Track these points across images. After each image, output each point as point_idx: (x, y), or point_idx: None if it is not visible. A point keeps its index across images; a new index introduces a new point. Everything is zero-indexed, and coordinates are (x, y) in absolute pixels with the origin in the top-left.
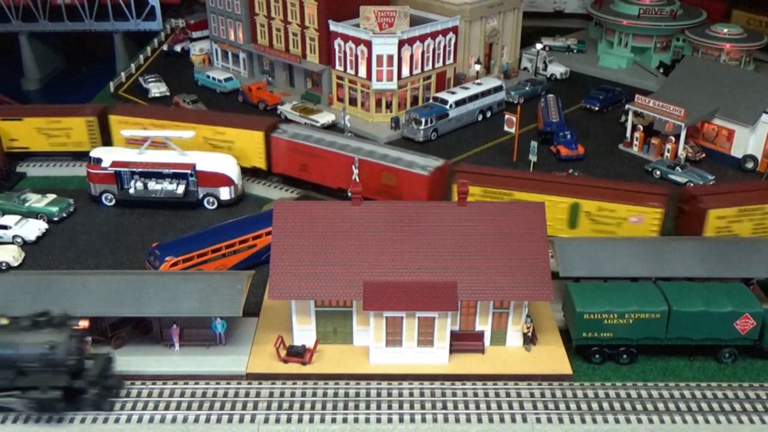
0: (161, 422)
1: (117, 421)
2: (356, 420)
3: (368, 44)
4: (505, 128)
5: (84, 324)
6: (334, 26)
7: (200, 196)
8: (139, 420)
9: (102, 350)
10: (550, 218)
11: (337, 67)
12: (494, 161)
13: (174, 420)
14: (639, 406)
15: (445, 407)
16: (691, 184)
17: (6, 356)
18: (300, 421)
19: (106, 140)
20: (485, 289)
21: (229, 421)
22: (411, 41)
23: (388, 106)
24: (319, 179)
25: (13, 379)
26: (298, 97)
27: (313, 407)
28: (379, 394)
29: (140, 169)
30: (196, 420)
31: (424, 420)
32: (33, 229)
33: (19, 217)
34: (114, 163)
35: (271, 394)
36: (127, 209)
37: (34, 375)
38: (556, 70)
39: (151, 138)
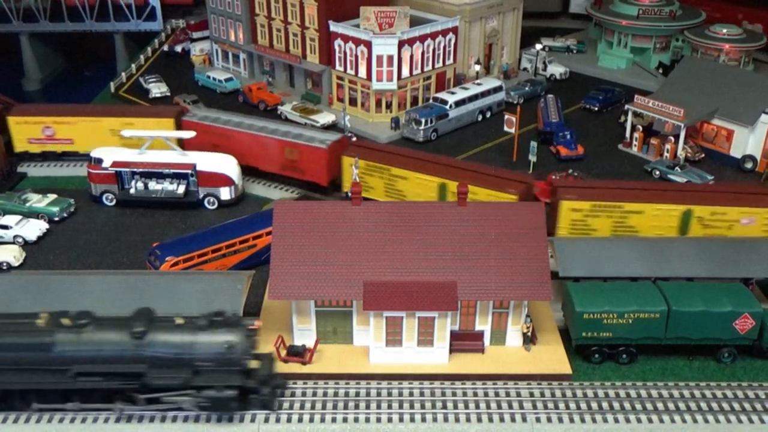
0: (162, 422)
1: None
2: (356, 419)
3: (368, 44)
4: (505, 128)
5: (258, 323)
6: (334, 27)
7: (201, 196)
8: (140, 420)
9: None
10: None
11: (338, 67)
12: (494, 161)
13: (175, 419)
14: (638, 406)
15: (445, 407)
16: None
17: (183, 356)
18: (300, 420)
19: (7, 143)
20: (485, 289)
21: (230, 420)
22: (411, 42)
23: (388, 106)
24: None
25: (189, 378)
26: (299, 98)
27: (313, 407)
28: (379, 394)
29: (141, 169)
30: (197, 419)
31: (424, 420)
32: (34, 229)
33: (19, 217)
34: (114, 163)
35: None
36: (128, 209)
37: (210, 374)
38: (556, 70)
39: (151, 138)
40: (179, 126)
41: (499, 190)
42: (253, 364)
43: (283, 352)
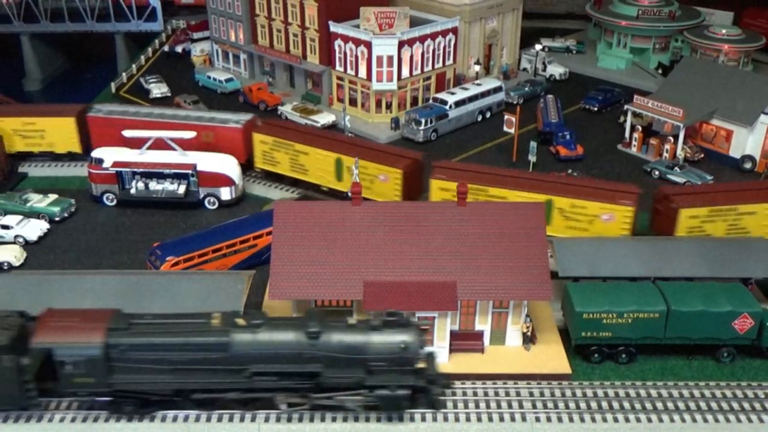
0: (162, 421)
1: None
2: (356, 419)
3: (368, 45)
4: (505, 129)
5: (426, 325)
6: (334, 27)
7: (201, 196)
8: (140, 419)
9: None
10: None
11: (338, 67)
12: (494, 161)
13: (175, 419)
14: (638, 406)
15: (444, 406)
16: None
17: (356, 355)
18: (300, 420)
19: None
20: (485, 289)
21: (230, 420)
22: (411, 42)
23: (388, 106)
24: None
25: (363, 378)
26: (299, 98)
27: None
28: None
29: (141, 170)
30: (197, 419)
31: (423, 419)
32: (34, 229)
33: (20, 217)
34: (115, 164)
35: None
36: (129, 209)
37: (383, 374)
38: (556, 70)
39: (152, 138)
40: (82, 123)
41: (388, 165)
42: (421, 363)
43: None
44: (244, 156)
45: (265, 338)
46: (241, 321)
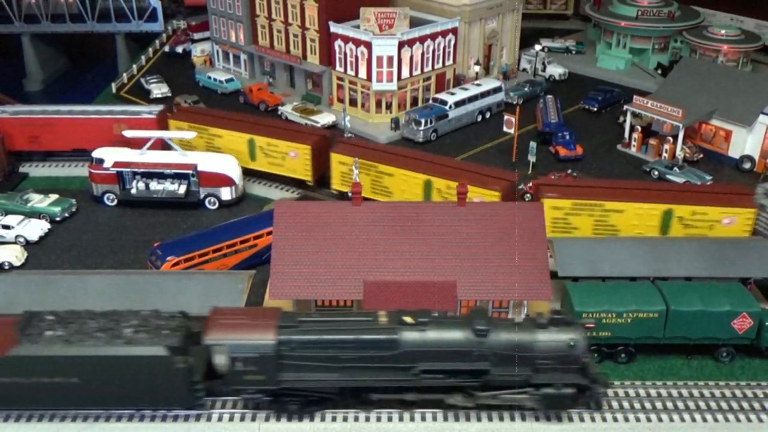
0: (163, 421)
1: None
2: (356, 419)
3: (368, 45)
4: (504, 129)
5: (592, 324)
6: (334, 27)
7: (201, 196)
8: (141, 419)
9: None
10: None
11: (338, 68)
12: (494, 162)
13: (175, 419)
14: (637, 405)
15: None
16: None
17: (523, 353)
18: (300, 419)
19: None
20: (484, 289)
21: (230, 419)
22: (411, 42)
23: (388, 106)
24: (50, 146)
25: (530, 376)
26: (299, 98)
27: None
28: None
29: (142, 170)
30: (197, 419)
31: (423, 419)
32: (35, 229)
33: (21, 217)
34: (116, 164)
35: None
36: (129, 209)
37: (549, 372)
38: (555, 71)
39: (153, 138)
40: None
41: (295, 142)
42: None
43: None
44: (160, 146)
45: (433, 336)
46: (408, 319)
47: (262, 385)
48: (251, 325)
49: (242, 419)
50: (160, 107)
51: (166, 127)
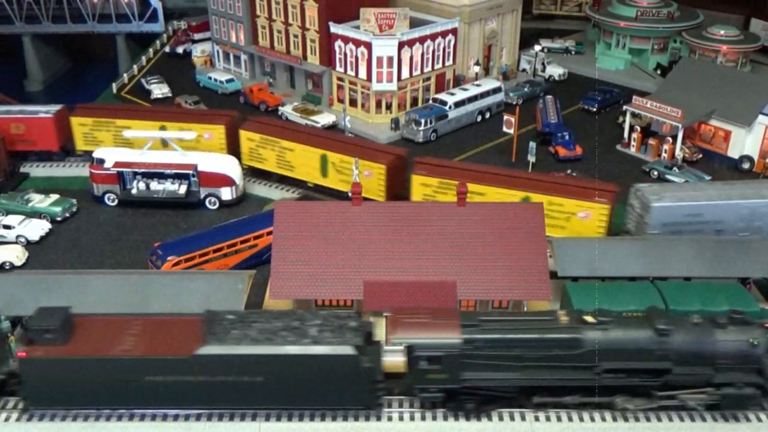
0: (163, 420)
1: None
2: (356, 418)
3: (368, 46)
4: (504, 129)
5: None
6: (334, 28)
7: (202, 196)
8: (142, 419)
9: None
10: None
11: (338, 68)
12: (493, 162)
13: (176, 418)
14: None
15: (444, 406)
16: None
17: (704, 353)
18: (300, 419)
19: None
20: (484, 289)
21: (231, 419)
22: (411, 43)
23: (388, 107)
24: None
25: (711, 375)
26: (299, 99)
27: None
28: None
29: (142, 170)
30: (198, 418)
31: (423, 419)
32: (36, 229)
33: (22, 217)
34: (116, 164)
35: None
36: (130, 209)
37: (729, 372)
38: (555, 71)
39: (153, 138)
40: None
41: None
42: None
43: None
44: (58, 145)
45: (616, 335)
46: (589, 318)
47: (444, 384)
48: (436, 325)
49: (242, 419)
50: (58, 107)
51: (65, 127)
